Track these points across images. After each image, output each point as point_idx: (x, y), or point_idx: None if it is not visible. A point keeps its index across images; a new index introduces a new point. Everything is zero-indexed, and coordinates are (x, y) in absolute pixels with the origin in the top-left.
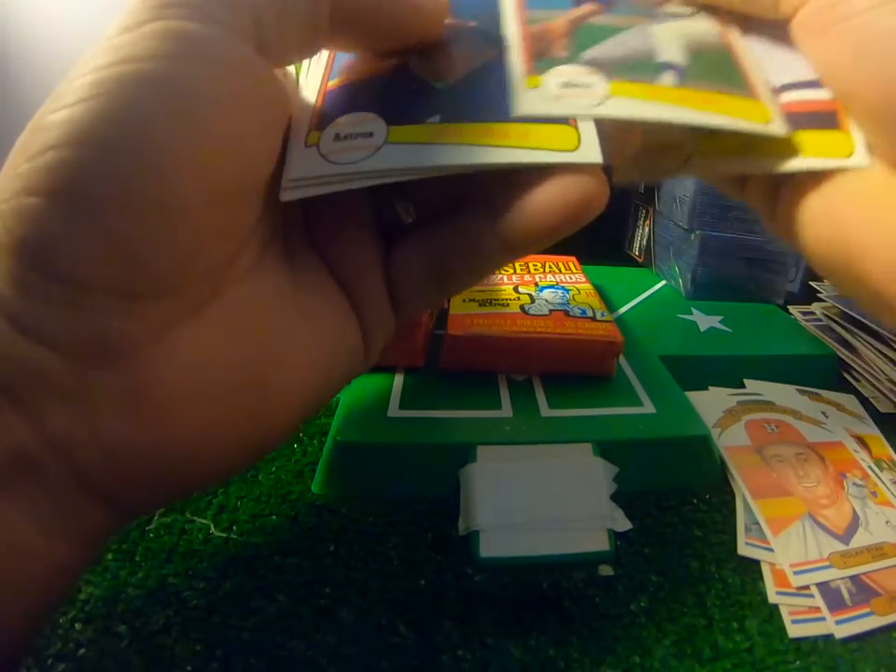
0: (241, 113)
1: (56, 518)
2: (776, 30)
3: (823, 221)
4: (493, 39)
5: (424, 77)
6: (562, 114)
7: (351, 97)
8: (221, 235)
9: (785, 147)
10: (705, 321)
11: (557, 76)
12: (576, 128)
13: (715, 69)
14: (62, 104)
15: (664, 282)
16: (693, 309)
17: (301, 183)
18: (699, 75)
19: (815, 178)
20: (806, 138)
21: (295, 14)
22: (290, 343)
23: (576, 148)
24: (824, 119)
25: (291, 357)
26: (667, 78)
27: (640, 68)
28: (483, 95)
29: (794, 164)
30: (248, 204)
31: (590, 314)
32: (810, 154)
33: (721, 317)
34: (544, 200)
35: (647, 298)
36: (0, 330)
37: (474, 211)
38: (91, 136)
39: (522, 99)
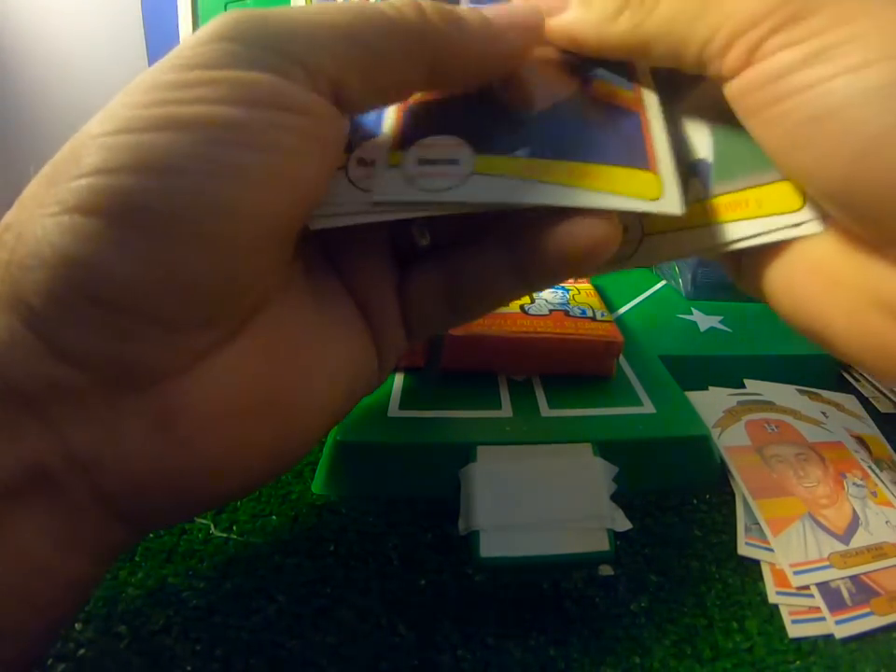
0: (309, 161)
1: (72, 535)
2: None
3: (785, 293)
4: (578, 69)
5: (507, 104)
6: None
7: (434, 116)
8: (271, 272)
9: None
10: (705, 321)
11: None
12: (659, 175)
13: (747, 142)
14: (125, 126)
15: (664, 282)
16: (693, 309)
17: (380, 208)
18: (729, 162)
19: (773, 248)
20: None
21: (384, 77)
22: (314, 362)
23: (659, 197)
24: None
25: (315, 376)
26: (696, 189)
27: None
28: (573, 131)
29: (743, 241)
30: (294, 240)
31: (590, 314)
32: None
33: (721, 317)
34: (564, 239)
35: (647, 298)
36: (27, 344)
37: (492, 241)
38: (164, 166)
39: None
